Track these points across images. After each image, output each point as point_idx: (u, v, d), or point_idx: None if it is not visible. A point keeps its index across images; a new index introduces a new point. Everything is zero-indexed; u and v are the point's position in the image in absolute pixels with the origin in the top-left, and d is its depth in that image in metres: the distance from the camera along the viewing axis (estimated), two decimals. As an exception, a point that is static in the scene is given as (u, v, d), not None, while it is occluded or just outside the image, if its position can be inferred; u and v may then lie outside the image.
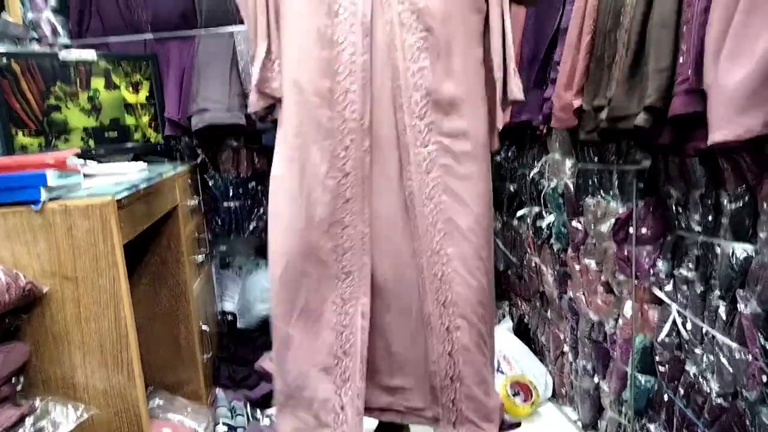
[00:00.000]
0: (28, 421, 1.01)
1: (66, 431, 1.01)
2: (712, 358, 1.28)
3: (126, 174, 1.57)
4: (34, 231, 1.14)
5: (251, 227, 2.45)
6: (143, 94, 2.15)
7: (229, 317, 2.48)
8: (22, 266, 1.14)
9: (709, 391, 1.28)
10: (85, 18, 2.23)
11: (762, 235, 1.10)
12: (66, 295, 1.17)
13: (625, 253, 1.53)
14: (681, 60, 1.13)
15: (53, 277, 1.16)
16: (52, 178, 1.15)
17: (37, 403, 1.06)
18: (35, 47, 2.13)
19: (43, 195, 1.14)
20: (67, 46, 2.18)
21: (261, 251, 2.73)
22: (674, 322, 1.41)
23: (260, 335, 2.37)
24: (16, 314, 1.14)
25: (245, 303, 2.46)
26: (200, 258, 2.02)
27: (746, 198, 1.16)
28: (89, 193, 1.21)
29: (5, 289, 1.03)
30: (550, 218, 1.98)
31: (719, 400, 1.24)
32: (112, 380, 1.19)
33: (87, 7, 2.21)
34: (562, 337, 2.02)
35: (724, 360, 1.22)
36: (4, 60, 1.76)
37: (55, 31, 2.21)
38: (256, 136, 2.34)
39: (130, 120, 2.11)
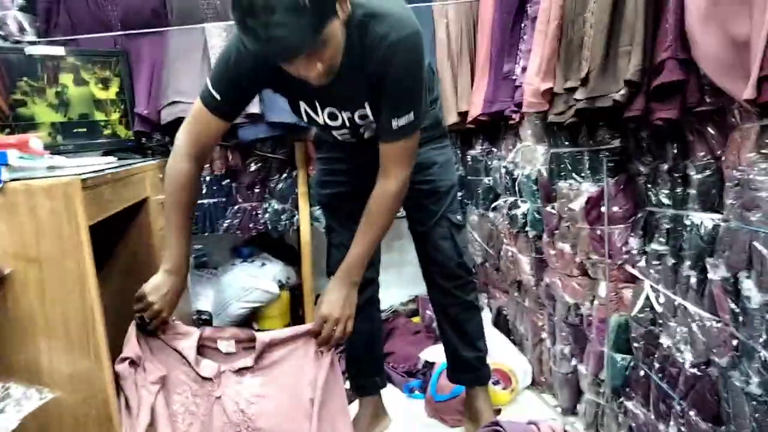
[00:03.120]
0: (-12, 402, 0.97)
1: (30, 409, 0.97)
2: (685, 329, 1.29)
3: (94, 165, 1.54)
4: (-5, 212, 1.11)
5: (225, 225, 2.42)
6: (113, 90, 2.12)
7: (205, 316, 2.44)
8: (-18, 249, 1.10)
9: (683, 362, 1.29)
10: (53, 16, 2.20)
11: (728, 201, 1.12)
12: (29, 277, 1.13)
13: (598, 233, 1.55)
14: (663, 29, 1.15)
15: (16, 259, 1.12)
16: (13, 157, 1.12)
17: (-2, 387, 1.02)
18: (0, 43, 2.09)
19: (4, 174, 1.11)
20: (33, 44, 2.15)
21: (236, 250, 2.69)
22: (647, 298, 1.42)
23: (236, 334, 2.33)
24: (-24, 297, 1.10)
25: (221, 302, 2.42)
26: (173, 254, 1.98)
27: (712, 167, 1.18)
28: (53, 175, 1.18)
29: (-37, 268, 0.99)
30: (525, 206, 1.99)
31: (693, 370, 1.25)
32: (78, 365, 1.15)
33: (55, 5, 2.18)
34: (540, 324, 2.02)
35: (696, 330, 1.23)
36: (-33, 52, 1.72)
37: (22, 29, 2.17)
38: (229, 131, 2.30)
39: (99, 116, 2.08)
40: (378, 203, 1.32)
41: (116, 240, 1.75)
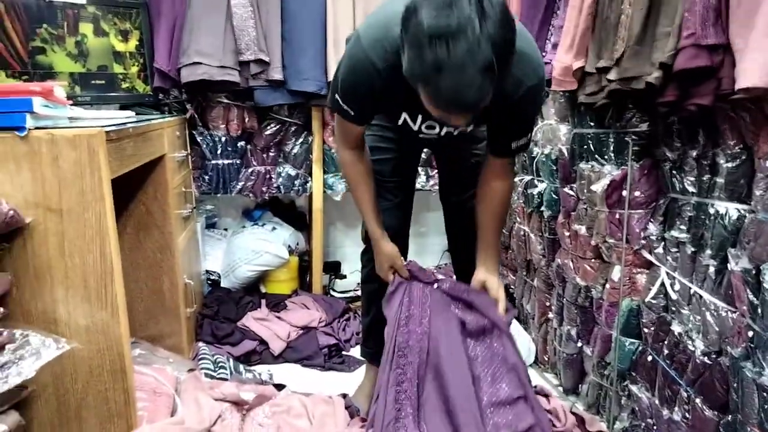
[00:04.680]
0: (9, 347, 0.98)
1: (48, 358, 0.98)
2: (698, 317, 1.29)
3: (114, 119, 1.53)
4: (18, 160, 1.10)
5: (239, 187, 2.42)
6: (133, 43, 2.09)
7: (213, 277, 2.45)
8: (3, 195, 1.10)
9: (693, 349, 1.29)
10: (74, -38, 2.15)
11: (758, 192, 1.10)
12: (50, 227, 1.13)
13: (617, 216, 1.54)
14: (687, 14, 1.12)
15: (36, 209, 1.12)
16: (38, 105, 1.11)
17: (17, 334, 1.03)
18: (20, -12, 2.05)
19: (29, 122, 1.10)
20: (53, -10, 2.10)
21: (247, 213, 2.70)
22: (662, 284, 1.42)
23: (244, 295, 2.35)
24: (-3, 242, 1.10)
25: (230, 263, 2.43)
26: (186, 212, 1.99)
27: (743, 157, 1.16)
28: (77, 126, 1.17)
29: (-13, 213, 0.99)
30: (541, 186, 1.97)
31: (703, 358, 1.26)
32: (96, 317, 1.17)
33: (76, -49, 2.13)
34: (547, 304, 2.03)
35: (710, 319, 1.23)
36: (-13, -5, 1.69)
37: (41, -26, 2.13)
38: (246, 93, 2.29)
39: (118, 68, 2.05)
40: (502, 198, 1.44)
41: (131, 195, 1.76)
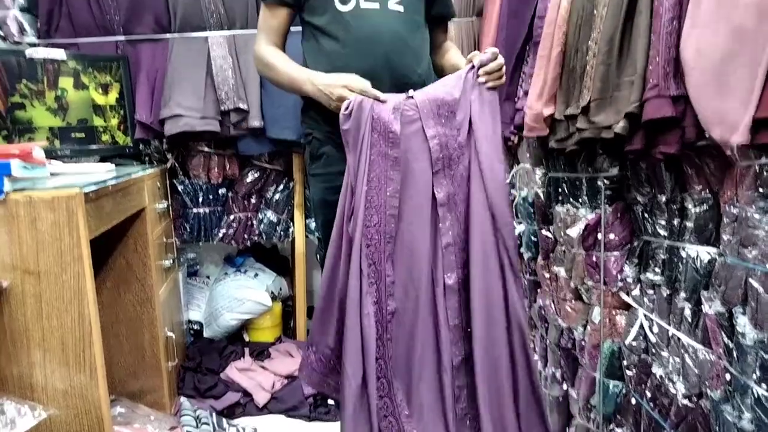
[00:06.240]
0: (-18, 418, 0.96)
1: (24, 429, 0.96)
2: (677, 359, 1.30)
3: (94, 174, 1.53)
4: (-4, 223, 1.10)
5: (220, 234, 2.41)
6: (113, 96, 2.11)
7: (196, 326, 2.42)
8: (-20, 259, 1.09)
9: (675, 392, 1.30)
10: (55, 18, 2.19)
11: (725, 237, 1.13)
12: (27, 290, 1.12)
13: (594, 259, 1.56)
14: (651, 66, 1.17)
15: (14, 271, 1.12)
16: (16, 168, 1.12)
17: (-9, 402, 1.01)
18: (0, 45, 2.08)
19: (7, 185, 1.10)
20: (34, 45, 2.13)
21: (229, 259, 2.68)
22: (641, 326, 1.44)
23: (227, 344, 2.32)
24: (-28, 309, 1.09)
25: (212, 312, 2.41)
26: (167, 263, 1.98)
27: (710, 202, 1.20)
28: (55, 186, 1.17)
29: (-38, 280, 0.98)
30: (520, 228, 2.00)
31: (685, 401, 1.27)
32: (74, 380, 1.15)
33: (57, 7, 2.17)
34: (531, 346, 2.03)
35: (689, 361, 1.25)
36: (-32, 54, 1.71)
37: (22, 30, 2.16)
38: (227, 141, 2.31)
39: (98, 121, 2.07)
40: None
41: (111, 248, 1.75)
